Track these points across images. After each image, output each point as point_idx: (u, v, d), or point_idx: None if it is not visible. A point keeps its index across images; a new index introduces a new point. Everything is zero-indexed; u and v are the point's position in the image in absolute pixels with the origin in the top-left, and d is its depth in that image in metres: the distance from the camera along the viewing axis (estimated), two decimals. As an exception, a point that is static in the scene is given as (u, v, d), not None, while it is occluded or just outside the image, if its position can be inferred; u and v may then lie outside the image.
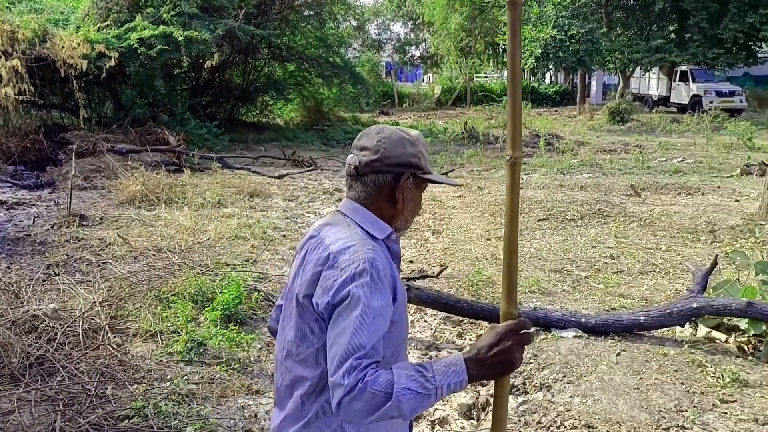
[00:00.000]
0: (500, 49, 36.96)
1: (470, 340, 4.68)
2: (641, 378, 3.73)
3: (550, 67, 29.81)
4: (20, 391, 3.52)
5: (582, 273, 6.00)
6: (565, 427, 3.30)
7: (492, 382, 1.84)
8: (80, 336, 4.21)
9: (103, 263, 5.87)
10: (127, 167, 10.11)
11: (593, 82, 34.31)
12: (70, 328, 4.30)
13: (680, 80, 26.45)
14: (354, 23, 28.99)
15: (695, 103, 24.73)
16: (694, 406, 3.39)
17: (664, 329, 4.42)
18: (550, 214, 8.39)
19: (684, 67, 26.10)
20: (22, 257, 6.12)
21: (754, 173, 11.30)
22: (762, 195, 7.91)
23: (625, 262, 6.31)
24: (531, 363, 4.03)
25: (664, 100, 28.16)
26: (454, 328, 4.91)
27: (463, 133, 17.54)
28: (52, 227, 7.25)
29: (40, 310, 4.44)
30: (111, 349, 4.12)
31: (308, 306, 1.48)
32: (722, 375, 3.69)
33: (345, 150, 16.24)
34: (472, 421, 3.64)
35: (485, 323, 4.80)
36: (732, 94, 24.40)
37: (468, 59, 33.70)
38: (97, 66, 12.35)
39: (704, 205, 8.81)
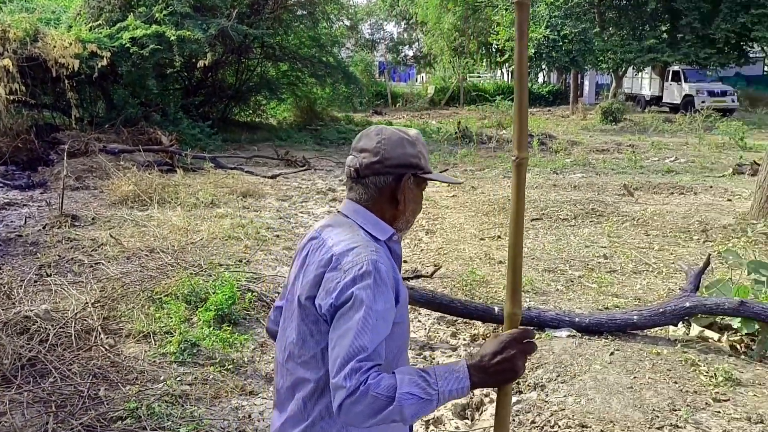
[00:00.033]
0: (493, 49, 36.95)
1: (464, 340, 4.69)
2: (635, 377, 3.74)
3: (543, 66, 29.92)
4: (12, 393, 3.49)
5: (575, 272, 6.02)
6: (559, 426, 3.31)
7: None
8: (73, 337, 4.18)
9: (96, 264, 5.84)
10: (120, 167, 10.06)
11: (586, 82, 34.47)
12: (62, 329, 4.28)
13: (672, 80, 26.59)
14: (347, 23, 28.93)
15: (687, 102, 24.87)
16: (688, 405, 3.40)
17: (657, 328, 4.44)
18: (543, 214, 8.41)
19: (676, 67, 26.26)
20: (14, 258, 6.08)
21: (746, 173, 11.36)
22: (754, 194, 7.95)
23: (618, 261, 6.33)
24: (525, 362, 4.03)
25: (656, 100, 28.32)
26: (447, 327, 4.92)
27: (456, 132, 17.55)
28: (43, 228, 7.20)
29: (32, 311, 4.42)
30: (104, 350, 4.10)
31: (310, 308, 1.48)
32: (715, 374, 3.71)
33: (338, 150, 16.24)
34: (466, 420, 3.65)
35: (479, 323, 4.81)
36: (724, 93, 24.55)
37: (461, 59, 33.68)
38: (89, 65, 12.28)
39: (697, 205, 8.85)
